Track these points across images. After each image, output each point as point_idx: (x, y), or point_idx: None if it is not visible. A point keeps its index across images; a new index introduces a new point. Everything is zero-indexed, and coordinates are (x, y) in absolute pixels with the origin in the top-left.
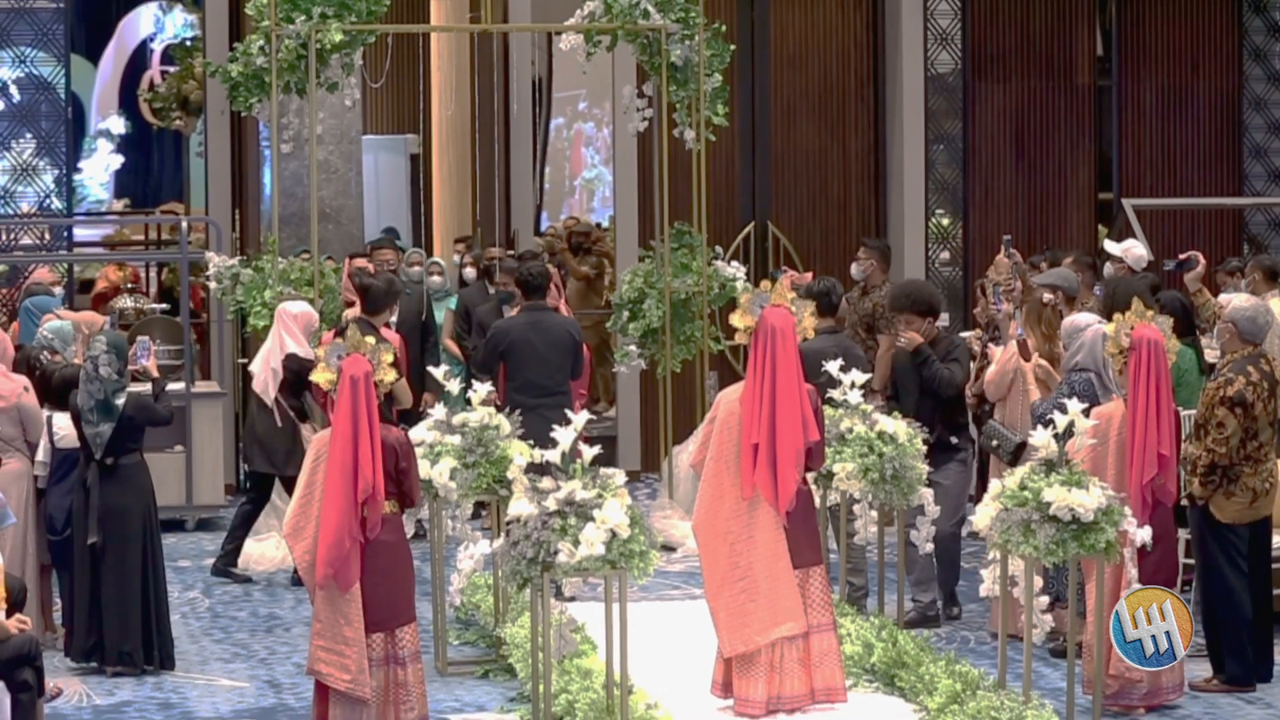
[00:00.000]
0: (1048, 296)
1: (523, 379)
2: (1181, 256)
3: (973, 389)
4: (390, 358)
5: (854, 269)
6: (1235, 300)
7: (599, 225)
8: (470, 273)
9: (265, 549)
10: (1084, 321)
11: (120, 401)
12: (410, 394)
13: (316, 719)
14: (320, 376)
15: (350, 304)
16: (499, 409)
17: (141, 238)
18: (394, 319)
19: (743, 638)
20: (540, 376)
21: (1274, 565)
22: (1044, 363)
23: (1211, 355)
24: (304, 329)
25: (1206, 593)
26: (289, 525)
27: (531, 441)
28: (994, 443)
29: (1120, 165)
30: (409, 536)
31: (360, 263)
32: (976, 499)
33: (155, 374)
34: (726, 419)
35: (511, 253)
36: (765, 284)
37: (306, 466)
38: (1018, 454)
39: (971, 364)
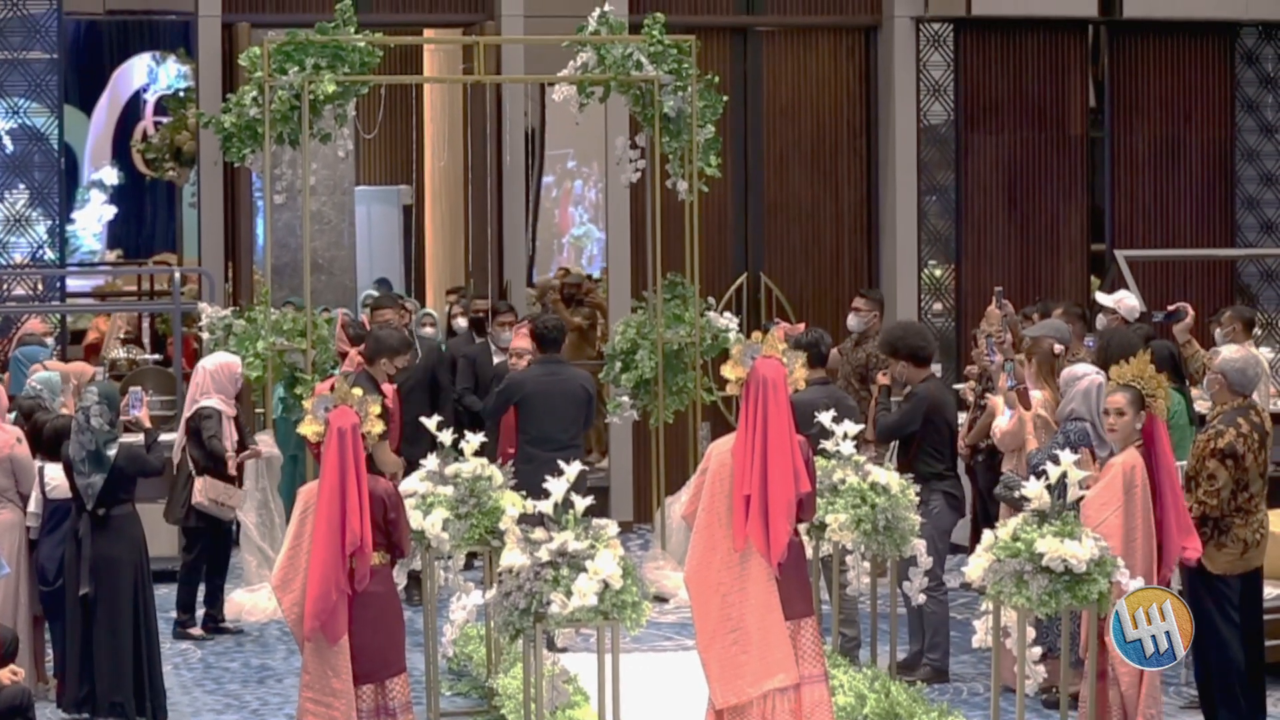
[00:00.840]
0: (1059, 348)
1: (537, 431)
2: (1170, 308)
3: (966, 440)
4: (378, 409)
5: (852, 320)
6: (1225, 352)
7: (590, 277)
8: (461, 323)
9: (258, 600)
10: (1081, 371)
11: (112, 452)
12: (395, 461)
13: None
14: (307, 429)
15: (343, 355)
16: (505, 460)
17: (133, 288)
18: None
19: (735, 689)
20: (555, 430)
21: (1266, 616)
22: (1042, 412)
23: (1202, 406)
24: (228, 380)
25: (1199, 643)
26: (277, 577)
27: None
28: (1016, 494)
29: (1113, 216)
30: (400, 587)
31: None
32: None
33: (147, 425)
34: (718, 470)
35: (504, 301)
36: (757, 335)
37: (295, 517)
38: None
39: (962, 414)
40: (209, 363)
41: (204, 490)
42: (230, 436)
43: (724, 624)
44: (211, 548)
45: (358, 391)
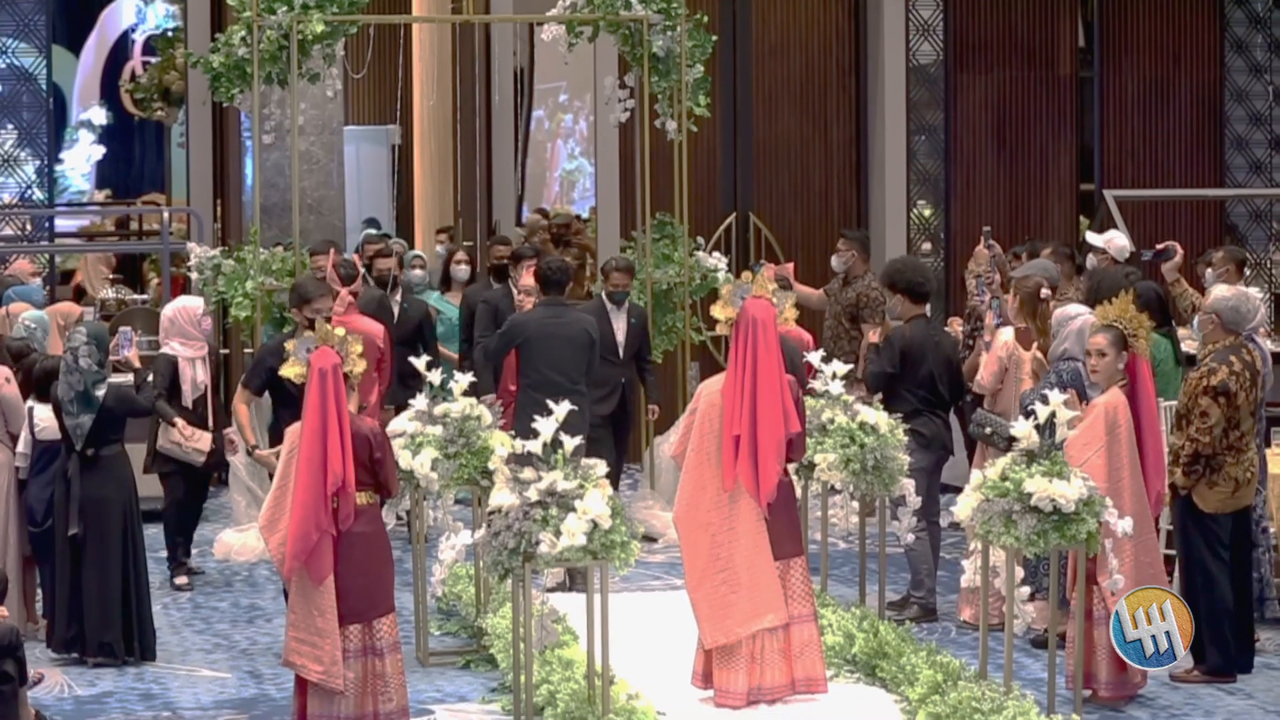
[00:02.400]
0: (1045, 291)
1: (538, 375)
2: (1159, 247)
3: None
4: (359, 349)
5: (834, 261)
6: (1217, 290)
7: (578, 217)
8: (463, 270)
9: (246, 539)
10: (1074, 311)
11: (100, 393)
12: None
13: (297, 710)
14: (289, 370)
15: (335, 295)
16: (507, 402)
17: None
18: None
19: (724, 629)
20: (556, 373)
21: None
22: (1039, 354)
23: (1190, 346)
24: (187, 323)
25: (1188, 583)
26: (264, 518)
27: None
28: (987, 430)
29: (1102, 156)
30: (389, 528)
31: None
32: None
33: (137, 365)
34: (707, 410)
35: (529, 245)
36: (746, 275)
37: (282, 459)
38: (1013, 442)
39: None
40: (169, 307)
41: (165, 433)
42: (194, 379)
43: (713, 564)
44: (185, 490)
45: (339, 332)
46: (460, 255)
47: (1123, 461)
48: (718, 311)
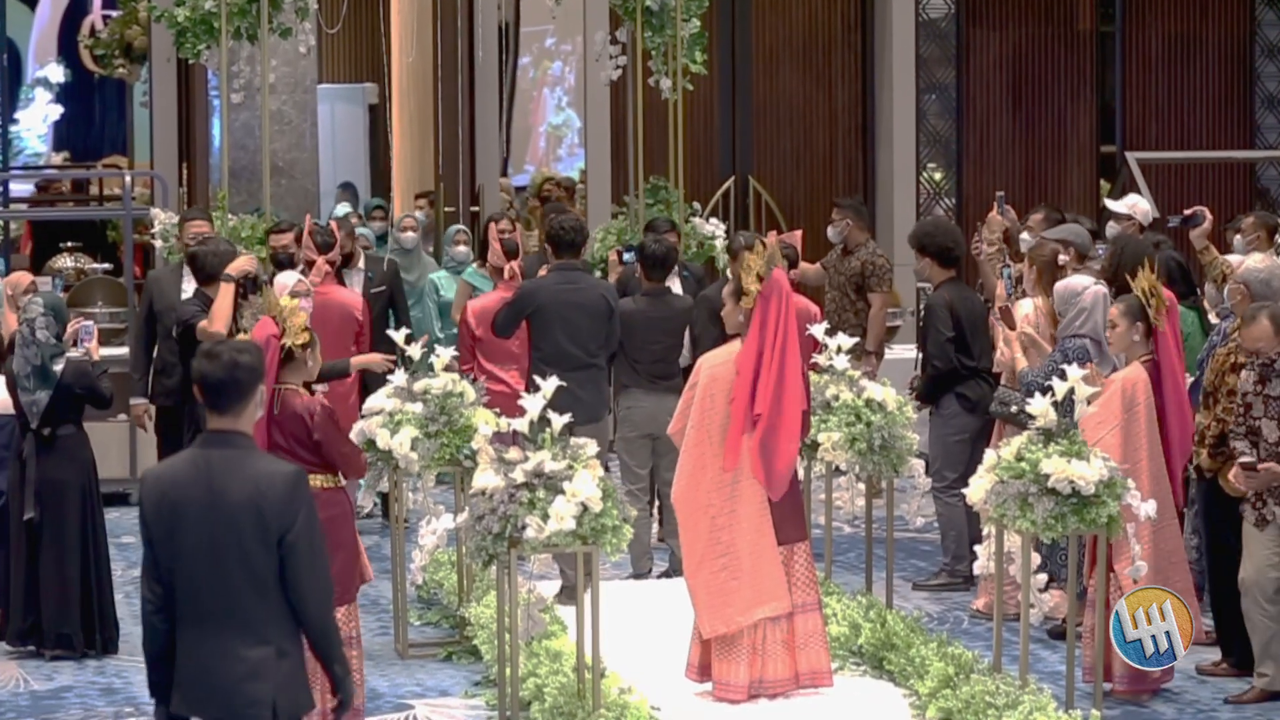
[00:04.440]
0: (1063, 257)
1: (552, 348)
2: (1186, 212)
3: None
4: (303, 320)
5: (830, 231)
6: (1249, 261)
7: (559, 183)
8: (462, 250)
9: None
10: (1080, 284)
11: (59, 367)
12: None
13: None
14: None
15: (310, 263)
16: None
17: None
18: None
19: (724, 618)
20: (572, 346)
21: None
22: (1029, 330)
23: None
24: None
25: (1214, 570)
26: None
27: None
28: (1012, 408)
29: (1124, 116)
30: (363, 514)
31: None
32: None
33: (96, 358)
34: (709, 386)
35: (475, 208)
36: (771, 238)
37: None
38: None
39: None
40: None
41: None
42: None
43: (713, 548)
44: None
45: (287, 300)
46: (460, 237)
47: (1140, 441)
48: (750, 281)
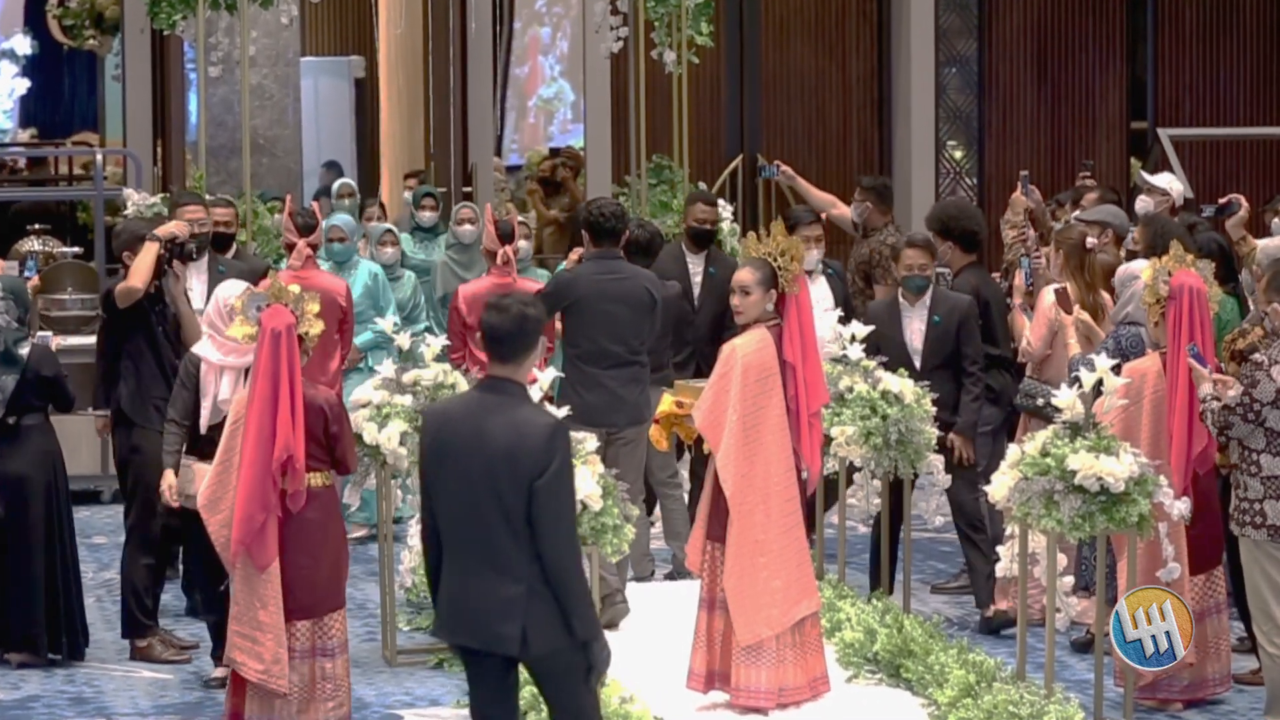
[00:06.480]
0: (1091, 240)
1: (590, 345)
2: (1222, 200)
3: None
4: (316, 308)
5: (852, 211)
6: (1262, 244)
7: (556, 155)
8: (469, 230)
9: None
10: (1139, 268)
11: (24, 351)
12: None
13: (229, 712)
14: (238, 331)
15: (290, 246)
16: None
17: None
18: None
19: (767, 620)
20: (612, 342)
21: None
22: (1085, 316)
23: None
24: (220, 314)
25: (1234, 573)
26: (204, 496)
27: (605, 429)
28: (1038, 401)
29: (1156, 91)
30: (348, 512)
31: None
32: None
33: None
34: (748, 374)
35: (468, 188)
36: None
37: (226, 431)
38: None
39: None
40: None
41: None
42: (217, 396)
43: (755, 547)
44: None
45: (294, 288)
46: (465, 212)
47: (1140, 434)
48: (794, 264)
